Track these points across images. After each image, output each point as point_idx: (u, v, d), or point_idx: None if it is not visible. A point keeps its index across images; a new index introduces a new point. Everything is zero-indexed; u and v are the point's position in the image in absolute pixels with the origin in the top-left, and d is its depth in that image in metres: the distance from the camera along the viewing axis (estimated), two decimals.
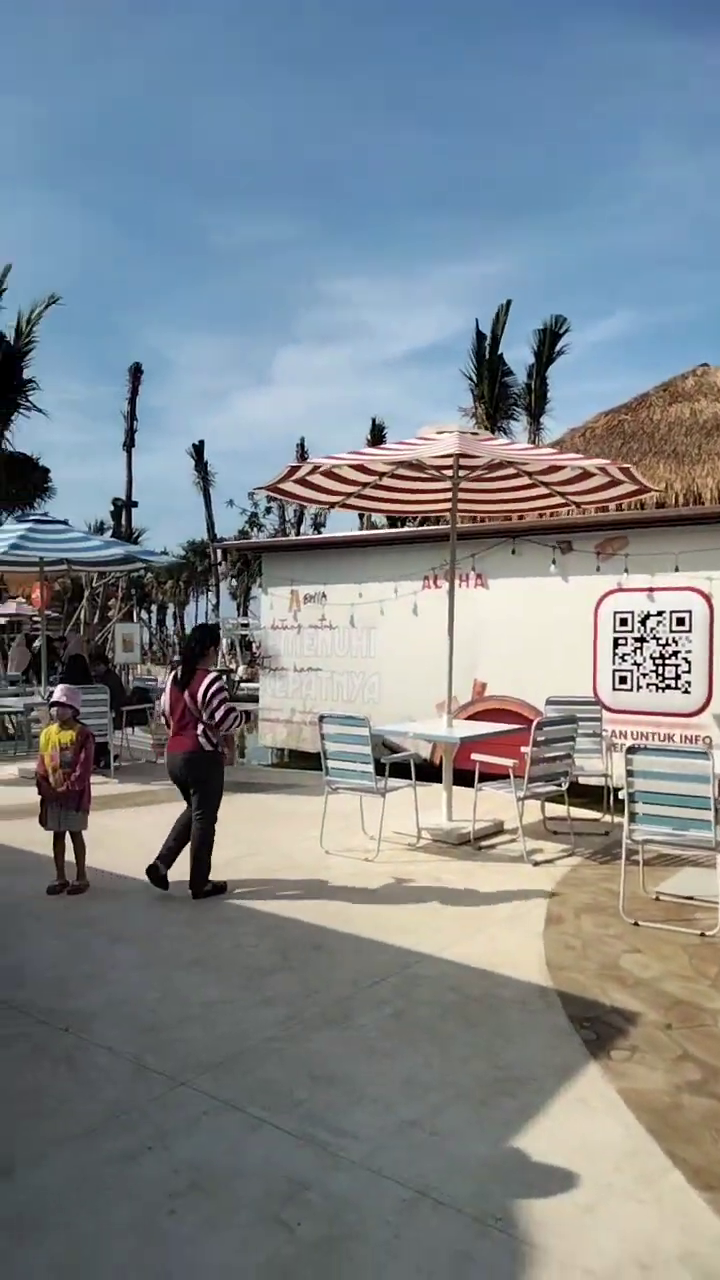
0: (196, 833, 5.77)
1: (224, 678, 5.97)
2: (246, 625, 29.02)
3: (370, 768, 6.64)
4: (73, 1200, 2.72)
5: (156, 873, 5.75)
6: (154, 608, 38.00)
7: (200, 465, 29.82)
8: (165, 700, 5.93)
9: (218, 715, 5.67)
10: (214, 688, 5.71)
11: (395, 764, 7.32)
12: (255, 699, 14.70)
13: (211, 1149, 2.99)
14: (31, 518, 10.01)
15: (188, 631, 35.48)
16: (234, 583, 31.32)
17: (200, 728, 5.71)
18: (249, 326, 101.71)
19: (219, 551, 27.41)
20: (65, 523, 10.17)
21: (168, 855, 5.82)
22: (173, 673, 6.06)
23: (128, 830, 7.47)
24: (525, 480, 7.98)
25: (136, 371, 27.50)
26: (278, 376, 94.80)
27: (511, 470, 7.81)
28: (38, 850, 6.46)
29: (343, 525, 32.38)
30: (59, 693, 6.20)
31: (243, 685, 21.57)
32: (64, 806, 5.85)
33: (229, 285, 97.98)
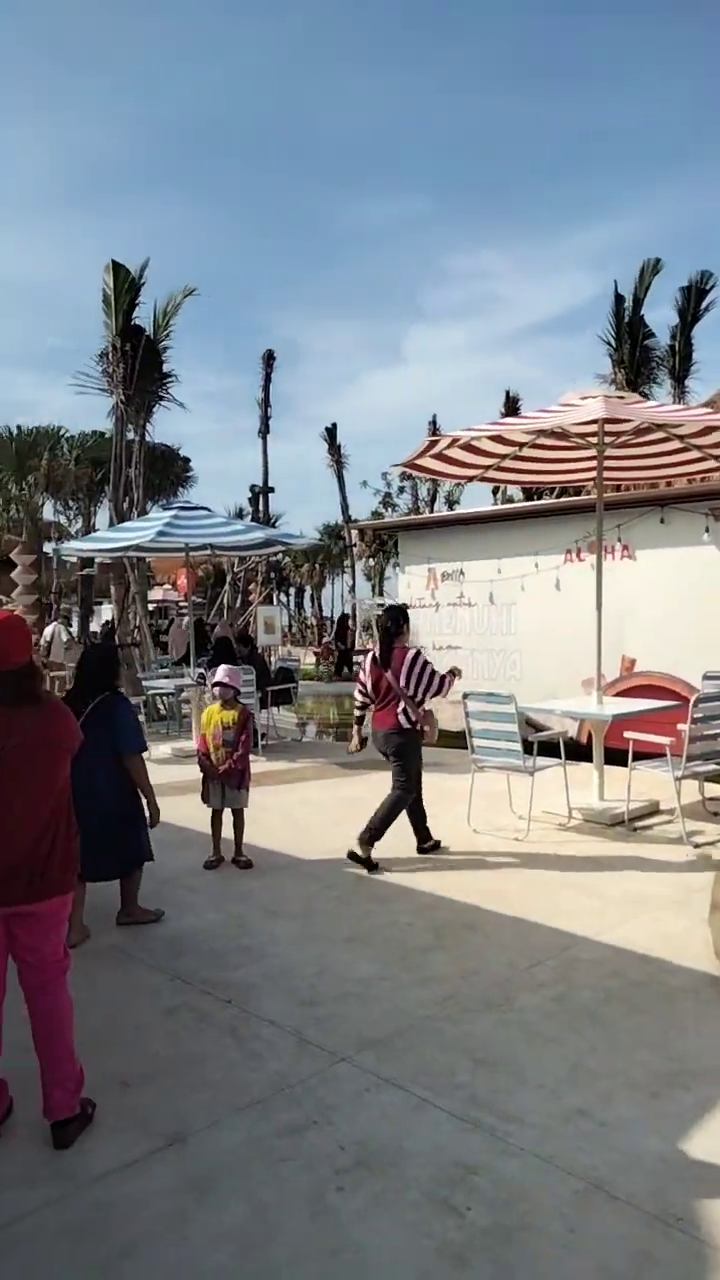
0: (390, 799, 5.90)
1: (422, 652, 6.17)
2: (380, 606, 29.14)
3: (518, 745, 6.48)
4: (246, 1170, 2.76)
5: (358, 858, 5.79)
6: (291, 591, 38.67)
7: (334, 448, 30.09)
8: (366, 678, 6.04)
9: (428, 683, 5.86)
10: (418, 662, 5.91)
11: (543, 742, 7.13)
12: None
13: (376, 1127, 2.97)
14: (175, 505, 10.31)
15: (325, 613, 36.01)
16: (370, 563, 31.51)
17: (401, 705, 5.85)
18: (378, 308, 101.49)
19: (354, 532, 27.63)
20: (207, 509, 10.41)
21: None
22: (370, 653, 6.15)
23: (277, 806, 7.59)
24: (675, 444, 7.57)
25: (269, 359, 27.94)
26: (408, 356, 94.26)
27: (659, 434, 7.43)
28: (194, 826, 6.66)
29: (475, 503, 31.96)
30: (221, 673, 6.25)
31: (319, 665, 21.72)
32: (227, 784, 5.98)
33: (357, 267, 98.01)
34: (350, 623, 24.29)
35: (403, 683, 5.84)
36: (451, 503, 32.21)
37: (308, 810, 7.54)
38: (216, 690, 6.19)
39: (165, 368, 14.75)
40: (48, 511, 22.58)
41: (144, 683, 12.70)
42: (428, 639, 12.15)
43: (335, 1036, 3.59)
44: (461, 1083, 3.24)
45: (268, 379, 27.89)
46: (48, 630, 16.52)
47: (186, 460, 23.49)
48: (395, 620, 6.12)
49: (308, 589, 38.46)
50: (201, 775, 6.10)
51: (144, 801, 4.83)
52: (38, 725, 2.96)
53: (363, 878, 5.62)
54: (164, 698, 12.98)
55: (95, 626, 24.74)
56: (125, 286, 13.96)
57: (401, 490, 28.00)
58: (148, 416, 15.01)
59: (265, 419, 27.68)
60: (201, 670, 10.78)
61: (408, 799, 5.96)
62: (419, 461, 7.26)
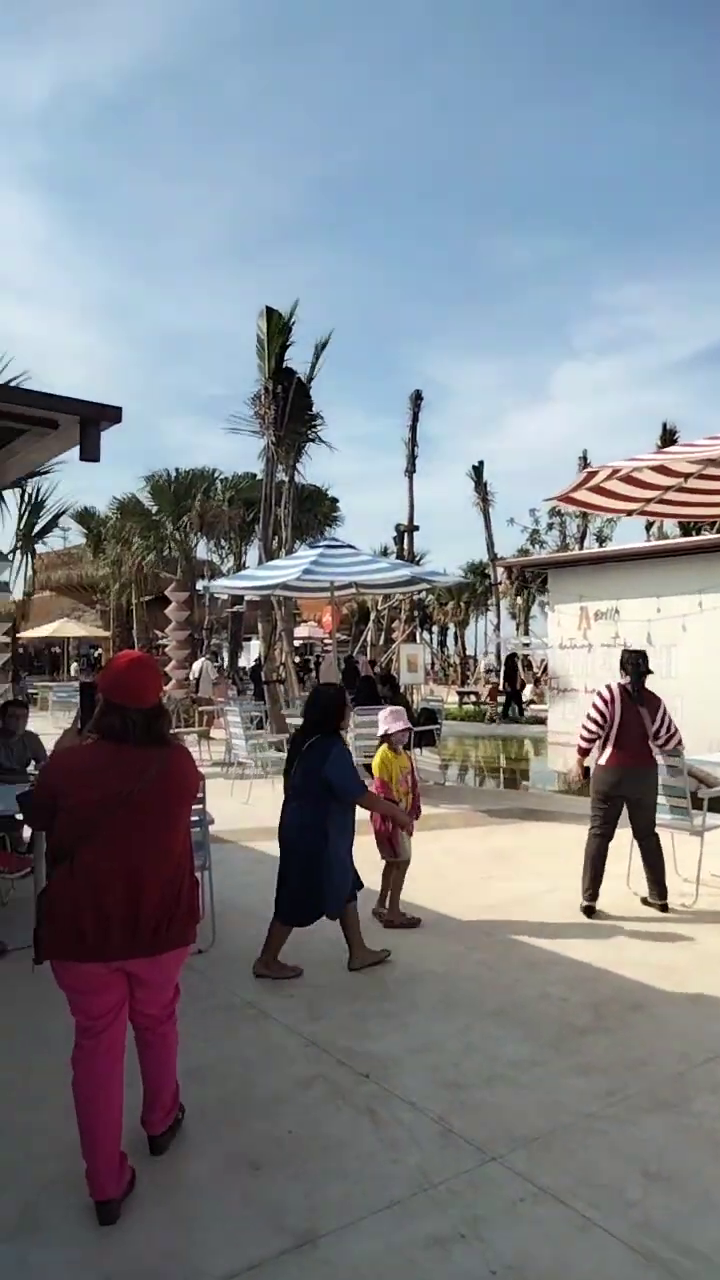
0: (655, 845, 5.79)
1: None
2: (528, 645, 28.43)
3: (685, 801, 5.92)
4: None
5: (592, 912, 5.69)
6: (434, 629, 38.43)
7: (479, 485, 29.85)
8: (609, 711, 5.84)
9: (671, 732, 5.84)
10: (666, 709, 5.93)
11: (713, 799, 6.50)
12: (541, 721, 14.11)
13: (533, 1249, 2.58)
14: (321, 543, 10.30)
15: (469, 651, 35.58)
16: (518, 601, 30.89)
17: (649, 745, 5.80)
18: (525, 346, 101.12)
19: (500, 570, 27.12)
20: (353, 547, 10.34)
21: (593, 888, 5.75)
22: (622, 690, 5.96)
23: (418, 855, 7.25)
24: None
25: (417, 399, 28.07)
26: (555, 393, 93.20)
27: None
28: None
29: (627, 541, 30.87)
30: (391, 718, 5.82)
31: (530, 706, 21.03)
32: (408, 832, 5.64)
33: (505, 307, 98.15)
34: (518, 664, 23.72)
35: (656, 724, 5.79)
36: (602, 539, 31.28)
37: (451, 861, 7.16)
38: (395, 736, 5.73)
39: (314, 409, 14.94)
40: (201, 550, 23.34)
41: (288, 719, 12.69)
42: (579, 682, 11.59)
43: (483, 1129, 3.21)
44: (633, 1200, 2.80)
45: (415, 419, 28.02)
46: (196, 665, 16.90)
47: (334, 500, 23.85)
48: (647, 661, 6.09)
49: (450, 627, 38.15)
50: (389, 826, 5.56)
51: (333, 844, 4.64)
52: (166, 768, 2.84)
53: (511, 941, 5.20)
54: None
55: (245, 662, 25.29)
56: (277, 330, 14.29)
57: (550, 527, 27.45)
58: (297, 457, 15.24)
59: (412, 458, 27.76)
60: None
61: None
62: (575, 495, 6.87)
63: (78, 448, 4.16)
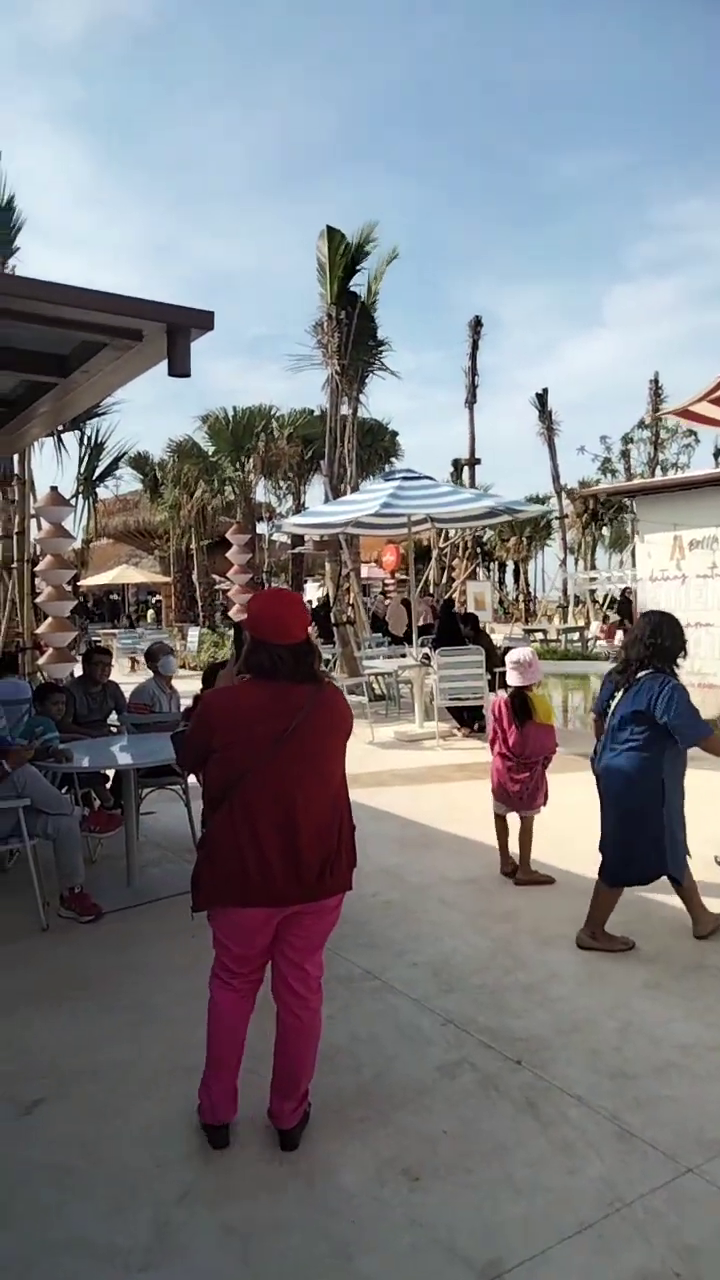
0: None
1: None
2: (594, 580, 27.57)
3: None
4: None
5: None
6: (494, 566, 37.58)
7: (544, 414, 28.70)
8: None
9: None
10: None
11: None
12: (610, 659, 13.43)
13: None
14: (397, 475, 9.74)
15: (530, 588, 34.72)
16: (584, 535, 29.86)
17: None
18: (577, 270, 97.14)
19: (568, 502, 26.16)
20: (431, 478, 9.75)
21: None
22: None
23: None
24: None
25: (476, 325, 26.85)
26: (610, 319, 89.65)
27: None
28: (438, 825, 6.04)
29: (700, 468, 29.53)
30: (525, 669, 5.13)
31: (597, 644, 20.35)
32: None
33: (555, 229, 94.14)
34: (633, 599, 22.89)
35: None
36: (666, 469, 29.91)
37: (562, 813, 6.69)
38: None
39: (378, 334, 14.20)
40: (258, 492, 22.84)
41: (362, 662, 12.29)
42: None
43: (667, 1130, 2.79)
44: None
45: (474, 347, 26.86)
46: None
47: (395, 434, 23.06)
48: None
49: (511, 564, 37.26)
50: (523, 780, 5.14)
51: (670, 793, 4.08)
52: (318, 705, 2.69)
53: (652, 901, 4.72)
54: (380, 677, 12.52)
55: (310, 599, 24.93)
56: (340, 252, 13.51)
57: (624, 454, 26.15)
58: (360, 387, 14.55)
59: (472, 388, 26.68)
60: (426, 650, 10.19)
61: None
62: (695, 409, 6.21)
63: (165, 362, 3.69)
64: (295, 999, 2.80)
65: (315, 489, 25.16)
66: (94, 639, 20.15)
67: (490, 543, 34.27)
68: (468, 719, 9.72)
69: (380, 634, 16.10)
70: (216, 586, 26.12)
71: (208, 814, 2.74)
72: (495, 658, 10.47)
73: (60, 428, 13.20)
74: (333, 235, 13.67)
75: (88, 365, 4.05)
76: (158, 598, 34.81)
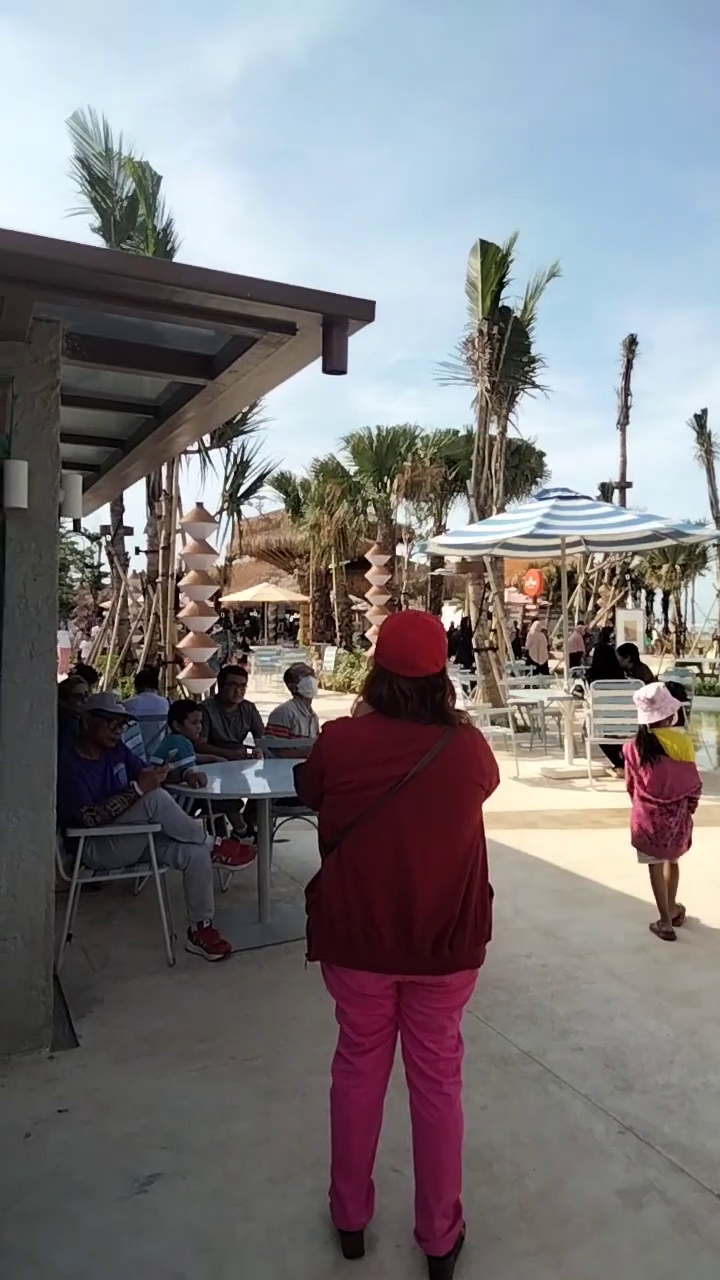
0: None
1: None
2: None
3: None
4: None
5: None
6: (642, 594, 35.95)
7: (703, 436, 27.24)
8: None
9: None
10: None
11: None
12: None
13: None
14: (552, 494, 9.16)
15: (683, 618, 32.88)
16: None
17: None
18: None
19: None
20: (589, 498, 9.12)
21: None
22: None
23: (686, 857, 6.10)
24: None
25: (631, 344, 25.86)
26: None
27: None
28: (595, 877, 5.43)
29: None
30: (662, 693, 4.85)
31: None
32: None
33: (704, 251, 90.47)
34: None
35: None
36: None
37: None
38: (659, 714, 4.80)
39: (532, 351, 13.66)
40: (399, 514, 22.57)
41: (506, 691, 11.70)
42: None
43: None
44: None
45: (629, 366, 25.83)
46: None
47: (541, 455, 22.35)
48: None
49: (659, 592, 35.52)
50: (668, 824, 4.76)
51: None
52: (448, 751, 2.30)
53: None
54: (524, 708, 11.88)
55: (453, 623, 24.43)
56: (493, 266, 13.09)
57: None
58: (510, 406, 14.03)
59: (625, 409, 25.64)
60: (579, 682, 9.54)
61: None
62: None
63: (319, 360, 3.35)
64: (425, 1082, 2.38)
65: (457, 510, 24.70)
66: (240, 652, 20.23)
67: (639, 569, 32.82)
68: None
69: (522, 661, 15.45)
70: (354, 607, 26.00)
71: (321, 856, 2.44)
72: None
73: (208, 443, 13.30)
74: (485, 249, 13.26)
75: (236, 365, 3.75)
76: (295, 616, 35.14)
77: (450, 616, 25.80)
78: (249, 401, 4.25)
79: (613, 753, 9.01)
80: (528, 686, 11.73)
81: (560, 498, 8.96)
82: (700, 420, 27.47)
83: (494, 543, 9.62)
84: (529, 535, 8.43)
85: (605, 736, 8.60)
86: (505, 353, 13.12)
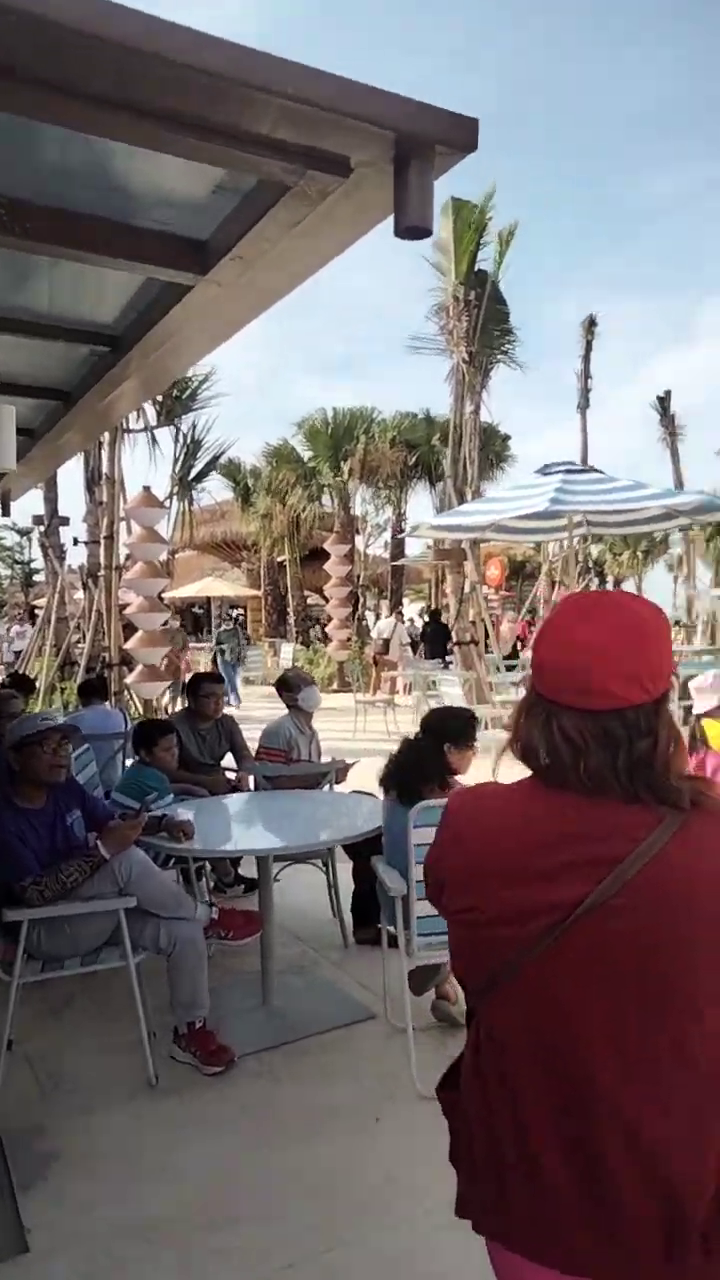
0: None
1: None
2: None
3: None
4: None
5: None
6: (609, 583, 35.43)
7: (666, 419, 26.64)
8: None
9: None
10: None
11: None
12: None
13: None
14: (559, 468, 8.13)
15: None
16: (708, 547, 27.53)
17: None
18: (669, 284, 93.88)
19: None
20: (600, 471, 8.11)
21: None
22: None
23: None
24: None
25: (590, 325, 25.16)
26: (700, 333, 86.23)
27: None
28: None
29: None
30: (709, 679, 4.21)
31: None
32: None
33: (645, 245, 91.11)
34: None
35: None
36: None
37: None
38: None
39: (509, 320, 12.64)
40: (356, 501, 21.41)
41: (495, 689, 10.66)
42: None
43: None
44: None
45: (588, 348, 25.10)
46: (385, 624, 15.06)
47: (506, 438, 21.41)
48: None
49: (623, 580, 34.97)
50: None
51: None
52: (671, 862, 1.14)
53: None
54: (509, 704, 10.86)
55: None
56: (468, 226, 12.01)
57: None
58: (484, 381, 12.99)
59: (585, 392, 24.89)
60: None
61: None
62: None
63: (381, 223, 2.21)
64: None
65: (417, 497, 23.68)
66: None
67: (600, 556, 32.27)
68: None
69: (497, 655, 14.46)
70: (310, 601, 24.80)
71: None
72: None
73: (154, 421, 11.97)
74: (459, 208, 12.18)
75: (244, 243, 2.51)
76: (238, 611, 33.72)
77: (410, 612, 24.74)
78: (254, 315, 3.02)
79: None
80: (514, 685, 10.69)
81: (568, 471, 7.92)
82: (664, 403, 26.89)
83: (490, 523, 8.56)
84: (542, 514, 7.37)
85: None
86: (482, 321, 12.05)
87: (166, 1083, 3.26)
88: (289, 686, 4.91)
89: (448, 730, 3.39)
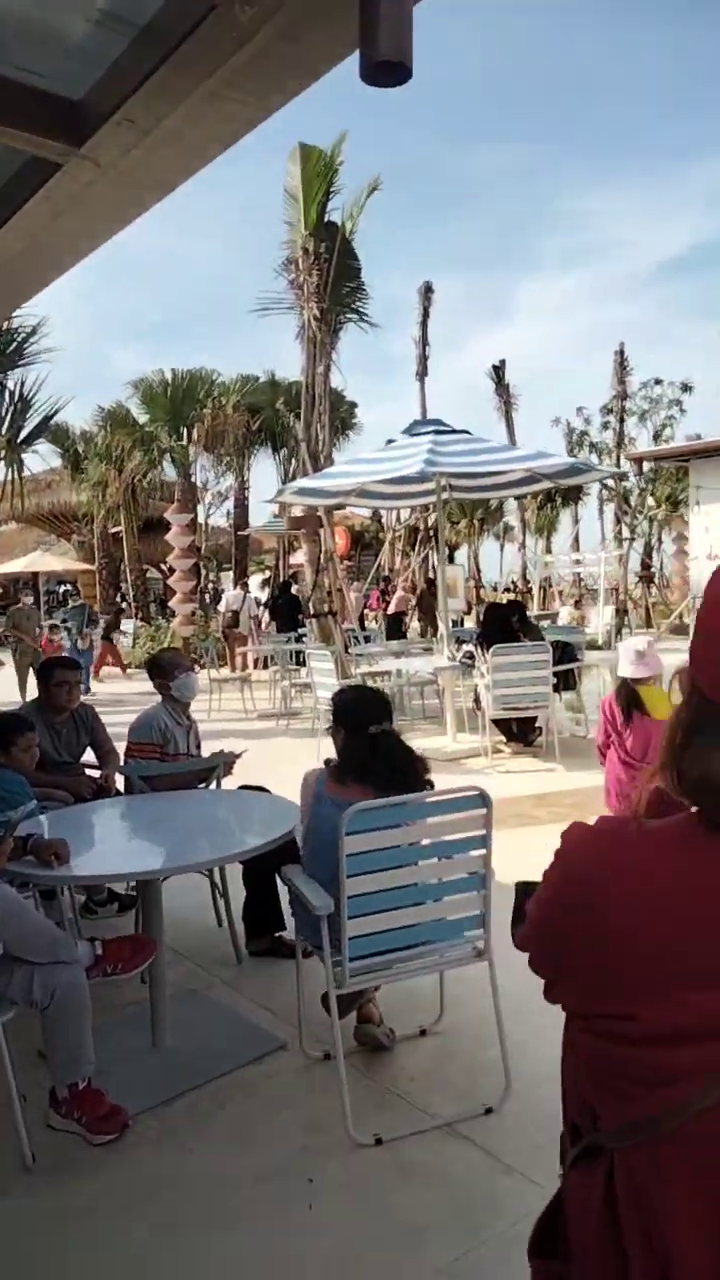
0: None
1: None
2: (549, 564, 26.14)
3: None
4: None
5: None
6: (445, 551, 35.81)
7: (501, 387, 26.99)
8: None
9: None
10: None
11: None
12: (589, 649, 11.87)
13: None
14: (426, 429, 7.75)
15: (481, 574, 33.01)
16: (540, 515, 28.24)
17: None
18: (488, 261, 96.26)
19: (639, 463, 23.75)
20: (468, 432, 7.79)
21: None
22: None
23: None
24: None
25: (427, 292, 25.07)
26: (518, 309, 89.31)
27: None
28: None
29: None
30: (642, 658, 4.38)
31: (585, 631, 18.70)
32: None
33: (466, 221, 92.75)
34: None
35: None
36: (664, 440, 27.41)
37: None
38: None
39: (361, 274, 12.16)
40: (196, 468, 20.43)
41: (356, 661, 10.28)
42: None
43: None
44: None
45: (425, 315, 25.01)
46: (231, 596, 14.37)
47: (353, 405, 21.00)
48: None
49: (461, 548, 35.51)
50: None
51: None
52: None
53: None
54: (379, 677, 10.53)
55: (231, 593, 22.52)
56: (317, 173, 11.38)
57: (605, 425, 24.33)
58: (334, 340, 12.47)
59: (423, 359, 24.81)
60: (470, 647, 8.28)
61: None
62: None
63: (356, 57, 1.66)
64: None
65: (260, 464, 22.95)
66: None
67: (434, 524, 32.56)
68: (518, 732, 7.84)
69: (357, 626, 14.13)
70: (149, 574, 23.65)
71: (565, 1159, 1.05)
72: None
73: None
74: (308, 154, 11.51)
75: (134, 102, 1.93)
76: (66, 587, 31.78)
77: (254, 585, 24.06)
78: (140, 210, 2.33)
79: (505, 727, 7.87)
80: (395, 654, 10.37)
81: (437, 432, 7.56)
82: (499, 372, 27.27)
83: (355, 487, 8.12)
84: (410, 478, 6.99)
85: (504, 707, 7.40)
86: (334, 275, 11.51)
87: (46, 1159, 2.66)
88: (161, 671, 4.27)
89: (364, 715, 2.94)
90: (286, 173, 11.87)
